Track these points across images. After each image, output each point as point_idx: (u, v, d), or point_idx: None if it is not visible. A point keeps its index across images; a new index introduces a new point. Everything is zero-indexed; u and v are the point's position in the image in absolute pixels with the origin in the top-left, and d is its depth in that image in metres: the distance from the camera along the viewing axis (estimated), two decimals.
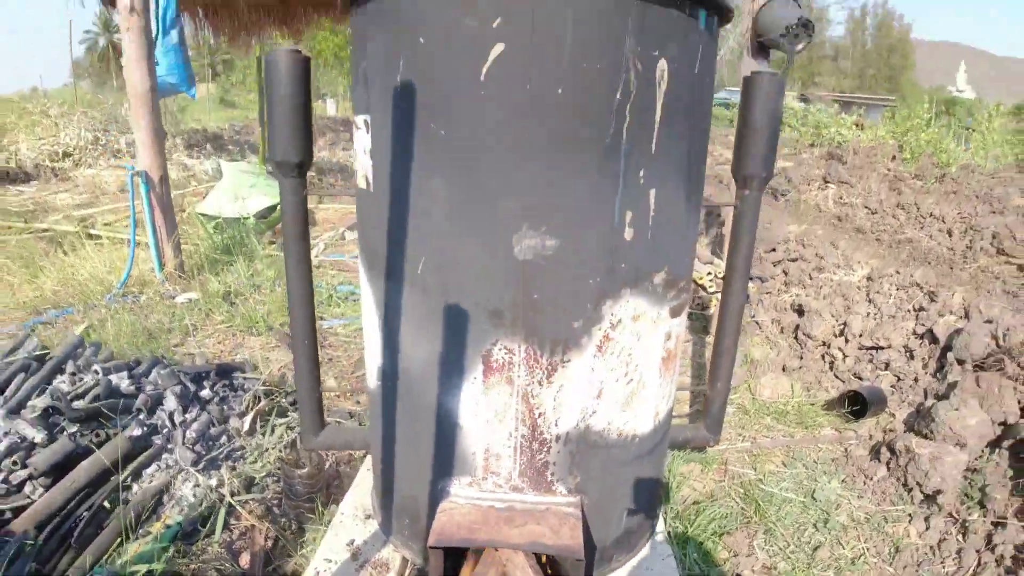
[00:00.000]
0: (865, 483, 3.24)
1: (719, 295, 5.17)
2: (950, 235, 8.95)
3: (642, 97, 1.68)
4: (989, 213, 10.78)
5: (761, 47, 4.40)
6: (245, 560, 2.63)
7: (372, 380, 2.31)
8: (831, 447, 3.51)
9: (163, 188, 5.96)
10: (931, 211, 9.93)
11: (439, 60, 1.65)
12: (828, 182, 12.24)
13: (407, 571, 2.37)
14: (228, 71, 44.39)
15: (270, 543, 2.74)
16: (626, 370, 2.02)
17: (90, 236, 7.29)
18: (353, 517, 2.65)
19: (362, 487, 2.83)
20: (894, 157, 18.43)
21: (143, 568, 2.44)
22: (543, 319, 1.87)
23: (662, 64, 1.68)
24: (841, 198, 11.56)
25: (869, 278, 5.37)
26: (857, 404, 3.71)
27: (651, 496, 2.44)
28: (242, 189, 8.28)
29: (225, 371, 3.79)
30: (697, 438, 2.88)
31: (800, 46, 4.17)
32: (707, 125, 2.06)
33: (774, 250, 5.90)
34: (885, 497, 3.12)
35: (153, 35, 8.23)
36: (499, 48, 1.57)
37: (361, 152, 1.99)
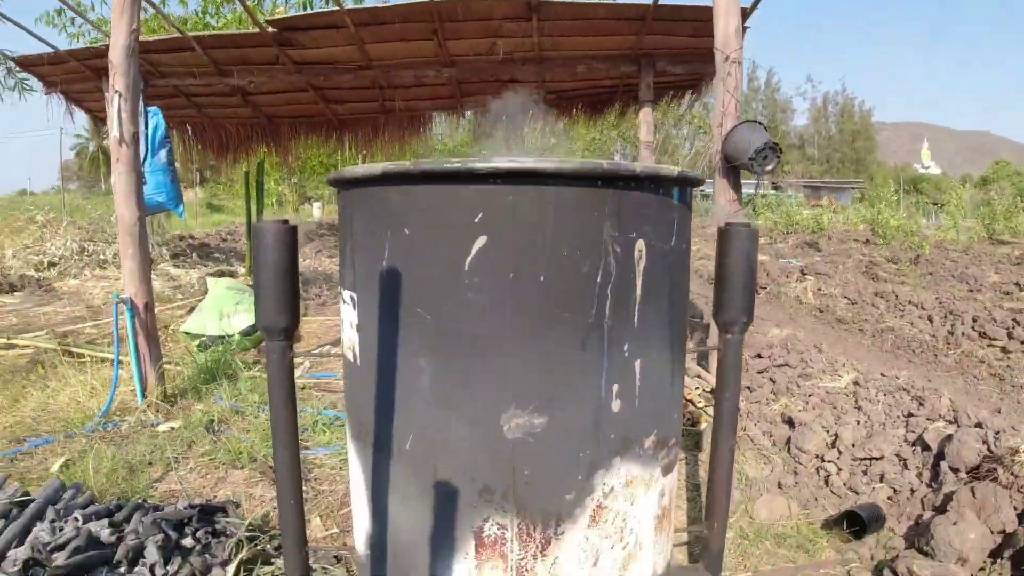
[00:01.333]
0: None
1: (709, 410, 5.15)
2: (931, 321, 9.07)
3: (622, 277, 1.72)
4: (967, 292, 10.97)
5: (732, 169, 4.56)
6: None
7: (360, 546, 2.25)
8: (833, 571, 3.41)
9: (148, 316, 5.95)
10: (909, 298, 10.10)
11: (424, 250, 1.68)
12: (806, 275, 12.48)
13: None
14: (215, 176, 45.27)
15: None
16: (621, 535, 1.98)
17: (71, 354, 7.20)
18: None
19: None
20: (867, 240, 18.88)
21: None
22: (535, 494, 1.84)
23: (640, 244, 1.73)
24: (820, 289, 11.75)
25: (856, 383, 5.39)
26: (856, 524, 3.64)
27: None
28: (227, 306, 8.26)
29: (208, 512, 3.67)
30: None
31: (769, 167, 4.33)
32: (686, 284, 2.10)
33: (760, 356, 5.92)
34: None
35: (142, 154, 8.44)
36: (482, 240, 1.61)
37: (348, 325, 2.00)
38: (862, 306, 10.62)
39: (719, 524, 2.76)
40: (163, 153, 9.74)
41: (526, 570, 1.88)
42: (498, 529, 1.85)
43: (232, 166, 13.25)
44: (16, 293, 12.42)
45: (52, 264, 13.95)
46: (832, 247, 18.24)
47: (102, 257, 14.20)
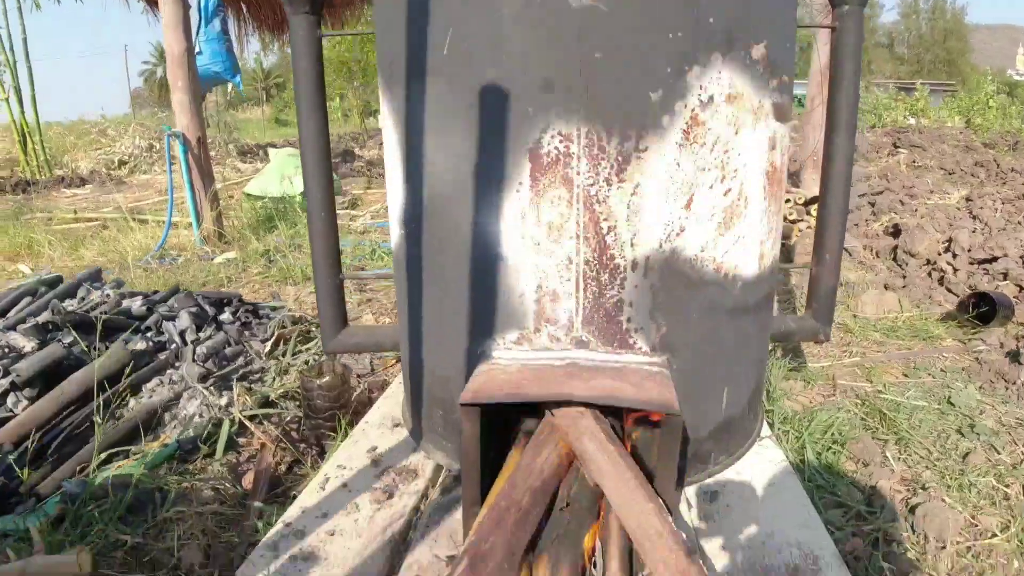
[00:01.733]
0: (1008, 388, 2.63)
1: (801, 224, 4.59)
2: None
3: None
4: None
5: None
6: (248, 480, 2.20)
7: (395, 235, 1.87)
8: (957, 357, 2.90)
9: (200, 150, 5.71)
10: (1012, 167, 8.98)
11: None
12: (898, 147, 11.35)
13: (440, 478, 1.90)
14: (281, 92, 45.32)
15: (283, 466, 2.31)
16: (723, 172, 1.51)
17: (137, 220, 7.12)
18: (379, 426, 2.20)
19: (393, 398, 2.38)
20: (962, 133, 17.28)
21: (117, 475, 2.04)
22: (608, 88, 1.38)
23: None
24: (914, 162, 10.68)
25: (968, 199, 4.70)
26: (983, 307, 3.10)
27: (757, 375, 1.91)
28: (288, 170, 8.06)
29: (252, 305, 3.41)
30: (803, 330, 2.33)
31: None
32: None
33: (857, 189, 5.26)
34: None
35: (195, 24, 8.11)
36: None
37: None
38: (960, 175, 9.57)
39: (832, 257, 2.27)
40: (217, 22, 9.36)
41: (598, 201, 1.44)
42: (560, 142, 1.41)
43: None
44: (87, 186, 12.59)
45: (123, 162, 14.03)
46: (926, 135, 16.76)
47: (173, 153, 14.26)
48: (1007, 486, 2.06)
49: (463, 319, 1.66)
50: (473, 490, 1.46)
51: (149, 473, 2.16)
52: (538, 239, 1.49)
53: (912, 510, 1.93)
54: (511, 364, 1.57)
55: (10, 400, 2.29)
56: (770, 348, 2.96)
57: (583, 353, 1.57)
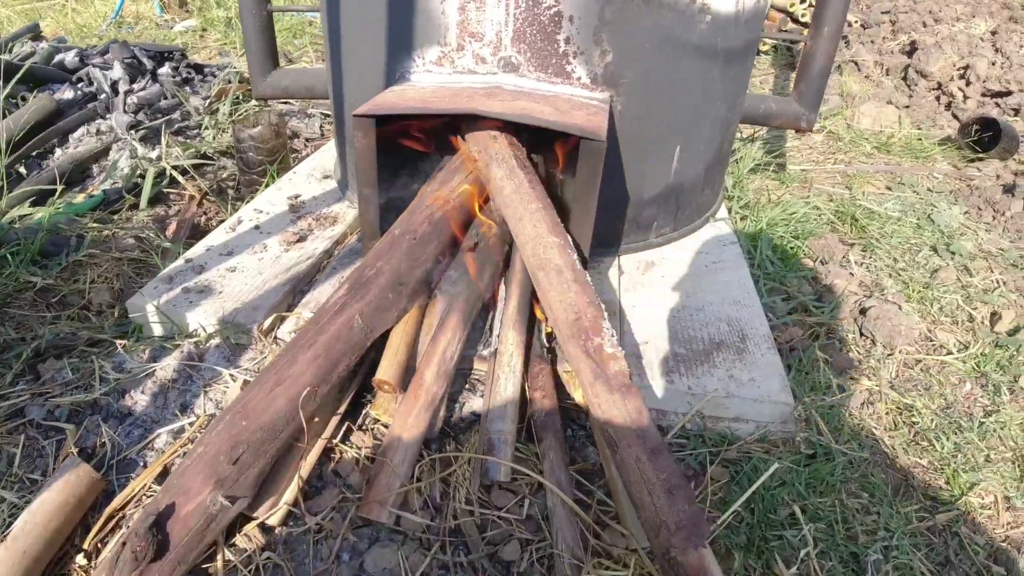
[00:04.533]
0: (995, 218, 2.45)
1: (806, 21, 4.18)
2: None
3: None
4: None
5: None
6: (171, 230, 2.05)
7: None
8: (948, 180, 2.70)
9: None
10: None
11: None
12: None
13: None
14: None
15: (213, 221, 2.16)
16: None
17: None
18: (308, 176, 2.02)
19: (328, 152, 2.19)
20: None
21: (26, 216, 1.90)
22: None
23: None
24: None
25: (994, 32, 4.27)
26: (987, 132, 2.85)
27: (718, 142, 1.70)
28: None
29: (197, 64, 3.11)
30: (785, 113, 2.10)
31: None
32: None
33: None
34: (1021, 235, 2.35)
35: None
36: None
37: None
38: (990, 13, 8.83)
39: (830, 30, 1.99)
40: None
41: None
42: None
43: None
44: None
45: None
46: None
47: None
48: (974, 308, 1.93)
49: (381, 38, 1.42)
50: (371, 213, 1.31)
51: (67, 220, 2.02)
52: None
53: (863, 312, 1.81)
54: (427, 85, 1.36)
55: None
56: (747, 135, 2.75)
57: (511, 78, 1.35)
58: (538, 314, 1.25)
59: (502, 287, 1.30)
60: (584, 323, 1.03)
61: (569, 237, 1.16)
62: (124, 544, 0.85)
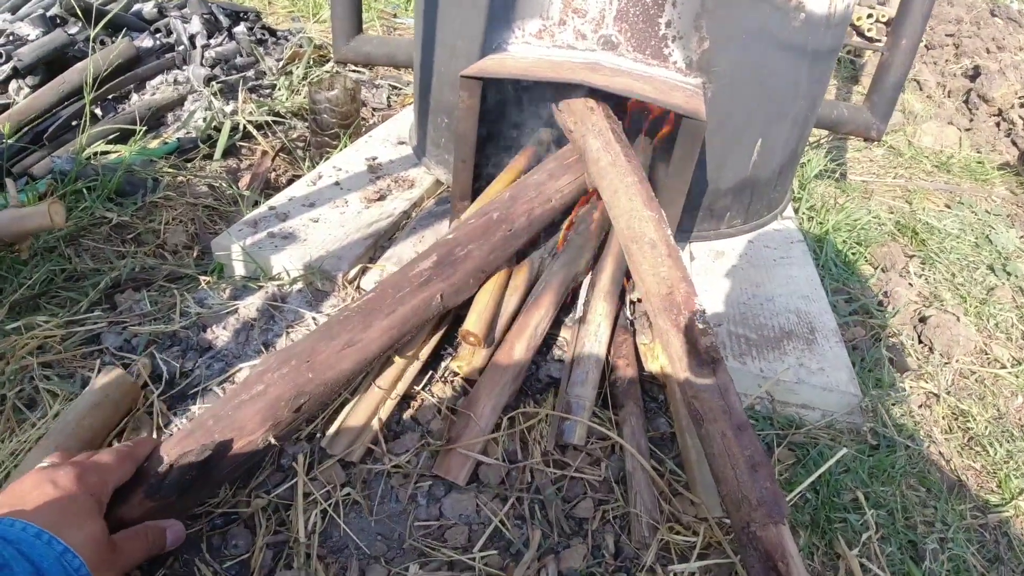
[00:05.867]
0: None
1: (878, 44, 4.17)
2: None
3: None
4: None
5: None
6: (245, 182, 2.10)
7: None
8: (1005, 204, 2.69)
9: None
10: None
11: None
12: None
13: (438, 192, 1.79)
14: None
15: (282, 178, 2.21)
16: None
17: None
18: (383, 141, 2.07)
19: (403, 120, 2.23)
20: None
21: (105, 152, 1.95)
22: None
23: None
24: (1011, 18, 9.71)
25: None
26: None
27: (795, 140, 1.73)
28: None
29: (272, 29, 3.17)
30: (856, 121, 2.12)
31: None
32: None
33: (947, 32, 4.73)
34: None
35: None
36: None
37: None
38: None
39: (908, 42, 2.00)
40: None
41: None
42: None
43: None
44: None
45: None
46: None
47: None
48: None
49: (483, 6, 1.46)
50: (464, 175, 1.35)
51: (143, 163, 2.08)
52: None
53: (923, 320, 1.83)
54: (528, 56, 1.39)
55: (12, 87, 2.16)
56: (812, 142, 2.76)
57: (610, 56, 1.38)
58: (627, 287, 1.29)
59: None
60: (677, 297, 1.06)
61: (662, 212, 1.19)
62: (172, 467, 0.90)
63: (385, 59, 2.08)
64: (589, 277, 1.30)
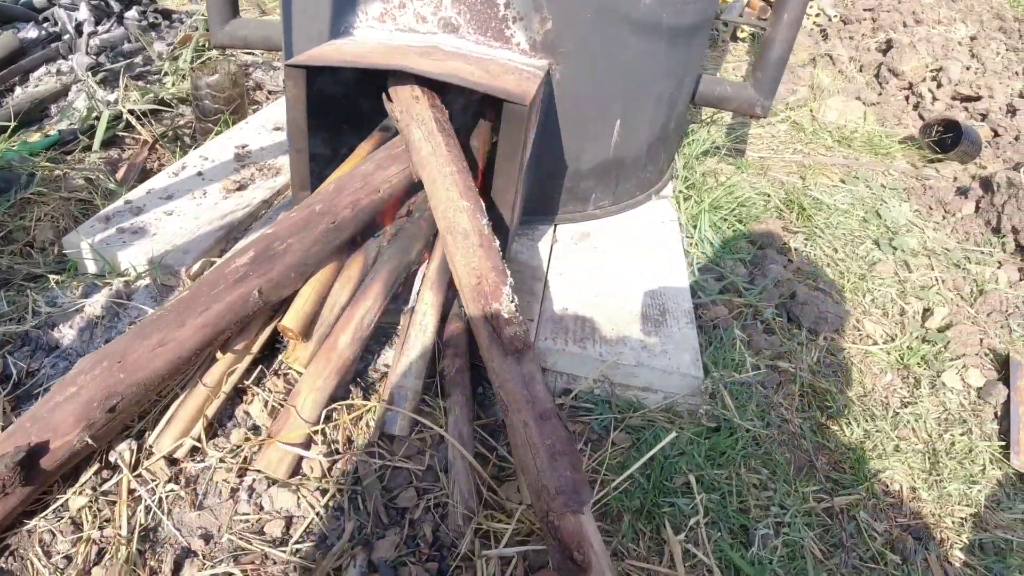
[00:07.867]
0: (944, 218, 2.50)
1: (762, 23, 4.19)
2: None
3: None
4: None
5: None
6: (120, 173, 2.05)
7: None
8: (903, 178, 2.74)
9: None
10: None
11: None
12: None
13: None
14: None
15: (161, 164, 2.16)
16: None
17: None
18: (259, 127, 2.03)
19: (283, 104, 2.19)
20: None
21: None
22: None
23: None
24: None
25: (973, 38, 4.32)
26: (949, 134, 2.89)
27: (662, 119, 1.73)
28: None
29: (167, 12, 3.08)
30: (739, 98, 2.12)
31: None
32: None
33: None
34: (969, 237, 2.40)
35: None
36: None
37: None
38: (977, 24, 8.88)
39: (790, 18, 2.00)
40: None
41: None
42: None
43: None
44: None
45: None
46: None
47: None
48: (907, 303, 1.98)
49: None
50: (301, 165, 1.33)
51: (20, 158, 2.01)
52: None
53: (792, 297, 1.84)
54: (367, 41, 1.37)
55: None
56: (706, 118, 2.77)
57: (451, 39, 1.36)
58: None
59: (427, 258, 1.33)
60: (484, 287, 1.06)
61: (482, 202, 1.18)
62: None
63: (261, 43, 2.03)
64: (423, 267, 1.29)
